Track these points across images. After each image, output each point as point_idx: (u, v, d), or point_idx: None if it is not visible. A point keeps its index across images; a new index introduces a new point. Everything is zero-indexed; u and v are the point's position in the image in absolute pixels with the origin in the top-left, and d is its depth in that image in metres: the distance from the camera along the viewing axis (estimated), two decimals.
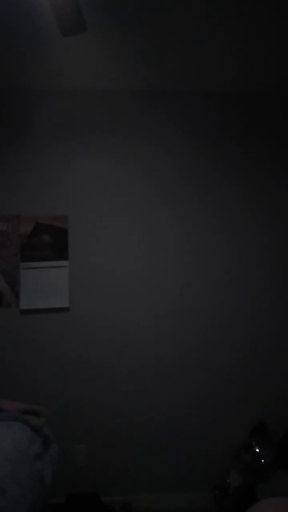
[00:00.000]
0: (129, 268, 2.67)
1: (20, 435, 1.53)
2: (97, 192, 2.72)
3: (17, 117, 2.73)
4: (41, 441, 1.67)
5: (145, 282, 2.66)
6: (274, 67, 2.60)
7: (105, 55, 2.44)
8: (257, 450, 2.34)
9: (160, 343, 2.62)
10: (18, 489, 1.30)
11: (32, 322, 2.57)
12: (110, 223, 2.70)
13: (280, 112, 2.89)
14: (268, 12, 2.12)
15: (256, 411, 2.58)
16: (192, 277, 2.69)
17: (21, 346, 2.55)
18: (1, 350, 2.53)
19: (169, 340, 2.63)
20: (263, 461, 2.30)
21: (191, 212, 2.74)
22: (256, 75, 2.68)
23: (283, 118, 2.89)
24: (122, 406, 2.55)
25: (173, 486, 2.54)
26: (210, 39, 2.32)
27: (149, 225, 2.72)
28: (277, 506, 0.99)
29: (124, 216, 2.71)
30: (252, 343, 2.66)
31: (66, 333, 2.58)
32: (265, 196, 2.80)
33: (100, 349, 2.59)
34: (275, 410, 2.58)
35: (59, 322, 2.58)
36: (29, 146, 2.71)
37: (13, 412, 1.69)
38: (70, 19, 1.69)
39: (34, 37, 2.25)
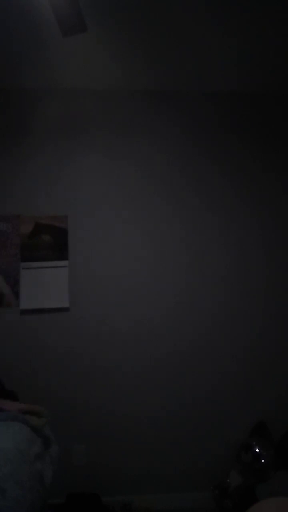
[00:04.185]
0: (129, 268, 2.67)
1: (20, 435, 1.53)
2: (97, 192, 2.72)
3: (17, 117, 2.73)
4: (41, 441, 1.67)
5: (145, 282, 2.66)
6: (274, 67, 2.60)
7: (105, 55, 2.44)
8: (257, 450, 2.34)
9: (160, 343, 2.62)
10: (18, 489, 1.30)
11: (32, 322, 2.57)
12: (110, 223, 2.70)
13: (280, 112, 2.89)
14: (268, 12, 2.12)
15: (256, 411, 2.58)
16: (192, 276, 2.69)
17: (21, 346, 2.55)
18: (1, 350, 2.53)
19: (169, 340, 2.63)
20: (263, 461, 2.31)
21: (191, 211, 2.75)
22: (256, 75, 2.68)
23: (283, 118, 2.89)
24: (122, 406, 2.55)
25: (173, 486, 2.54)
26: (210, 39, 2.32)
27: (148, 224, 2.72)
28: (277, 506, 1.00)
29: (124, 216, 2.71)
30: (252, 343, 2.66)
31: (66, 333, 2.58)
32: (265, 195, 2.80)
33: (100, 349, 2.59)
34: (275, 410, 2.58)
35: (59, 322, 2.58)
36: (29, 146, 2.72)
37: (13, 412, 1.69)
38: (70, 19, 1.70)
39: (34, 37, 2.25)
